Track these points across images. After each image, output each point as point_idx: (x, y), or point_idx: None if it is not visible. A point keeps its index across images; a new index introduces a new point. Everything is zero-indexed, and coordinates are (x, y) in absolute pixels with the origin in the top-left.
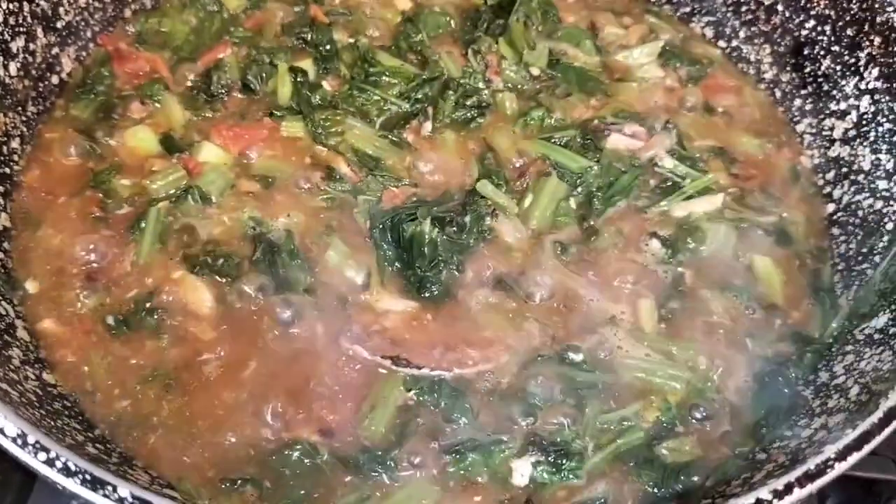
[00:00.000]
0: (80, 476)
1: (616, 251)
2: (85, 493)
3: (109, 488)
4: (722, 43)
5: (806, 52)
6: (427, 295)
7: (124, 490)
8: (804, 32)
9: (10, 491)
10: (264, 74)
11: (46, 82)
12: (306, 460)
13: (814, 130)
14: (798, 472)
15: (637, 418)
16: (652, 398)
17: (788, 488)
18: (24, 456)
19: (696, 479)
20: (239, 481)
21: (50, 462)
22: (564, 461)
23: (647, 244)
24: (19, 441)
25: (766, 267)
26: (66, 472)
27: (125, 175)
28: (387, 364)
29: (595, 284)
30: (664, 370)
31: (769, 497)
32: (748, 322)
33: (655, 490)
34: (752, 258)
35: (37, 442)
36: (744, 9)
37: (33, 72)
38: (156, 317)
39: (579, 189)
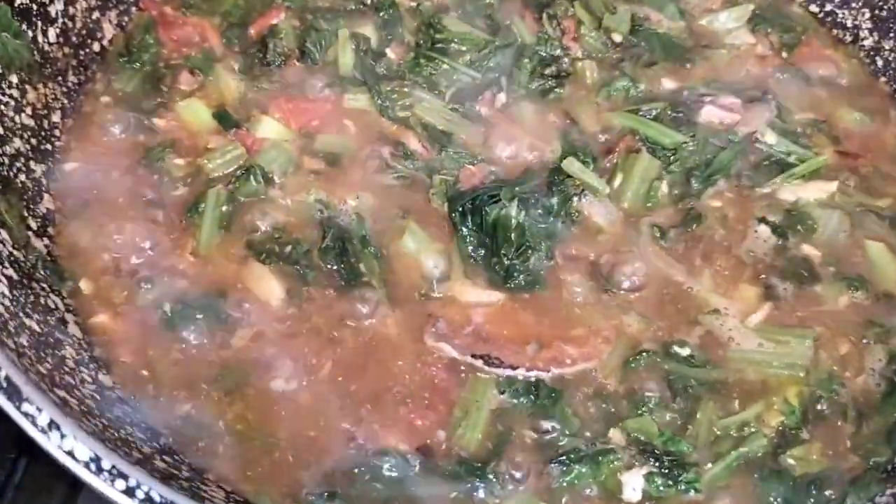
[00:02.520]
0: None
1: (720, 236)
2: None
3: None
4: (814, 7)
5: None
6: (515, 285)
7: None
8: None
9: (54, 500)
10: (323, 42)
11: (87, 50)
12: (397, 473)
13: None
14: None
15: (758, 423)
16: (773, 399)
17: None
18: (99, 484)
19: (829, 493)
20: (326, 495)
21: (130, 492)
22: (680, 472)
23: (756, 230)
24: (93, 466)
25: (881, 253)
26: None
27: (178, 153)
28: (478, 364)
29: (698, 271)
30: (780, 360)
31: None
32: (867, 312)
33: None
34: (866, 244)
35: (113, 468)
36: None
37: (73, 38)
38: (220, 310)
39: (673, 167)
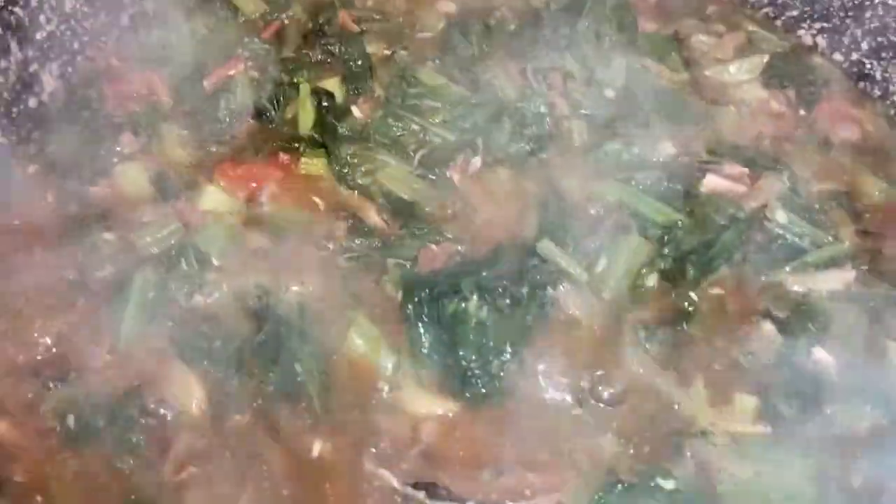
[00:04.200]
0: None
1: (717, 336)
2: None
3: None
4: (838, 56)
5: None
6: (473, 394)
7: None
8: None
9: None
10: (282, 97)
11: (22, 106)
12: None
13: None
14: None
15: None
16: None
17: None
18: None
19: None
20: None
21: None
22: None
23: (759, 328)
24: None
25: None
26: None
27: (110, 226)
28: (420, 496)
29: (688, 380)
30: (781, 490)
31: None
32: (885, 434)
33: None
34: (886, 346)
35: None
36: (867, 13)
37: (5, 94)
38: (134, 421)
39: (667, 249)
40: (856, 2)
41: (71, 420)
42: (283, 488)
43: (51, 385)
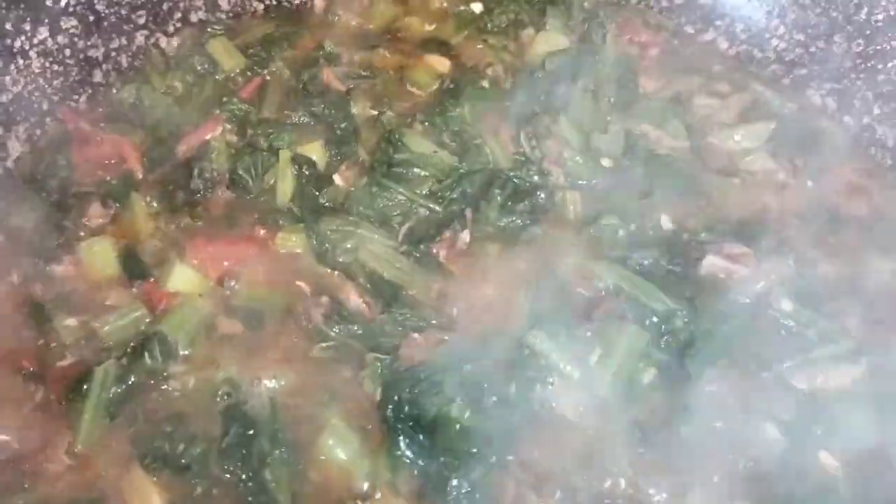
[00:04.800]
0: None
1: (715, 439)
2: None
3: None
4: (848, 119)
5: None
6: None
7: None
8: None
9: None
10: (259, 165)
11: None
12: None
13: None
14: None
15: None
16: None
17: None
18: None
19: None
20: None
21: None
22: None
23: (762, 432)
24: None
25: None
26: None
27: (72, 311)
28: None
29: (683, 493)
30: None
31: None
32: None
33: None
34: None
35: None
36: (880, 76)
37: None
38: None
39: (664, 341)
40: (868, 63)
41: None
42: None
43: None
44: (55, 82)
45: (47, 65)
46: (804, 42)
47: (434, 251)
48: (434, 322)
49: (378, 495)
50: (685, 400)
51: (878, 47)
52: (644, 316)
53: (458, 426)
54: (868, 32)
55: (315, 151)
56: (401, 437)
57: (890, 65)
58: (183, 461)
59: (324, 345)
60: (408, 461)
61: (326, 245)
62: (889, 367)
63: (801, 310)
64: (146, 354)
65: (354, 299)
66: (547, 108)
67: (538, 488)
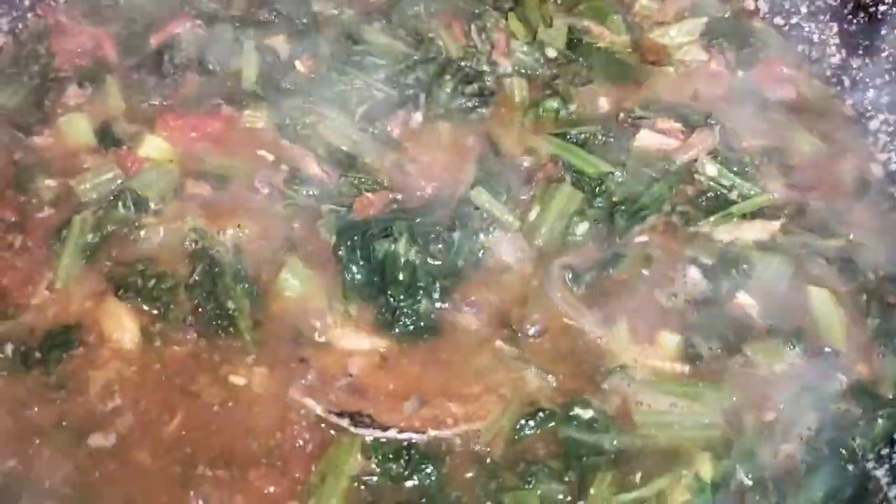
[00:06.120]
0: None
1: (642, 279)
2: None
3: None
4: (779, 20)
5: (884, 31)
6: (401, 331)
7: None
8: (882, 7)
9: None
10: (226, 53)
11: None
12: None
13: (891, 129)
14: None
15: (660, 501)
16: (683, 472)
17: None
18: None
19: None
20: None
21: None
22: None
23: (685, 274)
24: None
25: (825, 303)
26: None
27: (51, 173)
28: (344, 424)
29: (612, 321)
30: (694, 421)
31: None
32: (801, 373)
33: None
34: (808, 292)
35: None
36: None
37: None
38: (69, 353)
39: (598, 200)
40: None
41: (7, 349)
42: (212, 415)
43: None
44: None
45: None
46: None
47: (388, 129)
48: (386, 184)
49: (333, 325)
50: (615, 249)
51: None
52: (579, 179)
53: (404, 261)
54: None
55: (278, 42)
56: (354, 273)
57: None
58: (154, 294)
59: (284, 202)
60: (360, 295)
61: (288, 121)
62: (802, 224)
63: (725, 173)
64: (120, 205)
65: (313, 167)
66: (496, 6)
67: (476, 315)
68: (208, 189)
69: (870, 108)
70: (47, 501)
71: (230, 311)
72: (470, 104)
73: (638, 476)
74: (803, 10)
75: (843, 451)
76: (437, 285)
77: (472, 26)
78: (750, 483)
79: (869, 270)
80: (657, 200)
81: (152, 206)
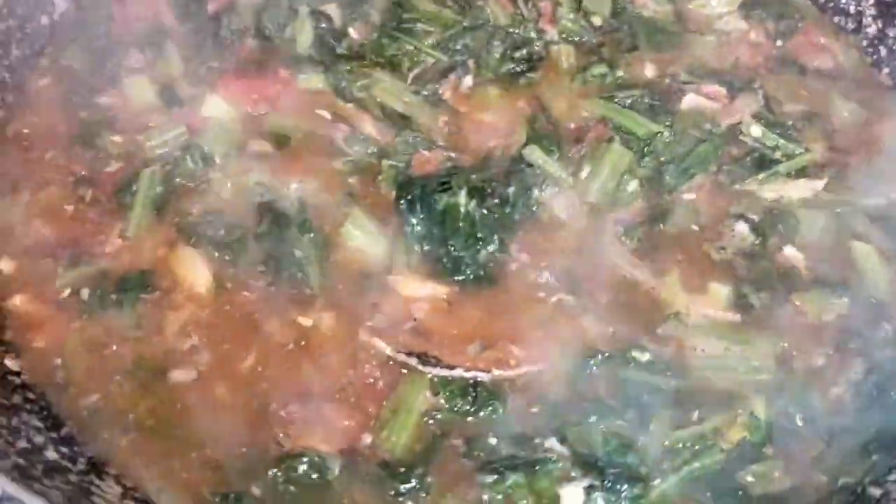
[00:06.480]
0: None
1: (692, 234)
2: None
3: None
4: None
5: None
6: (462, 279)
7: None
8: None
9: None
10: (282, 19)
11: (35, 23)
12: (314, 475)
13: None
14: None
15: (717, 437)
16: (738, 411)
17: None
18: None
19: None
20: (232, 496)
21: None
22: (625, 487)
23: (734, 228)
24: None
25: (869, 258)
26: None
27: (118, 130)
28: (412, 363)
29: (664, 272)
30: (747, 364)
31: None
32: (849, 322)
33: None
34: (852, 247)
35: None
36: None
37: (19, 10)
38: (144, 296)
39: (647, 159)
40: None
41: (85, 293)
42: (286, 354)
43: (65, 267)
44: None
45: None
46: None
47: (440, 92)
48: (441, 144)
49: (396, 273)
50: (664, 206)
51: None
52: (629, 139)
53: (464, 214)
54: None
55: (331, 9)
56: (414, 225)
57: None
58: (224, 242)
59: (344, 159)
60: (421, 245)
61: (344, 83)
62: (845, 183)
63: (769, 134)
64: (188, 158)
65: (369, 127)
66: None
67: (534, 265)
68: (270, 147)
69: None
70: (132, 432)
71: (298, 259)
72: (519, 69)
73: (695, 415)
74: None
75: (892, 394)
76: (496, 237)
77: None
78: (801, 423)
79: None
80: (704, 160)
81: (217, 161)
